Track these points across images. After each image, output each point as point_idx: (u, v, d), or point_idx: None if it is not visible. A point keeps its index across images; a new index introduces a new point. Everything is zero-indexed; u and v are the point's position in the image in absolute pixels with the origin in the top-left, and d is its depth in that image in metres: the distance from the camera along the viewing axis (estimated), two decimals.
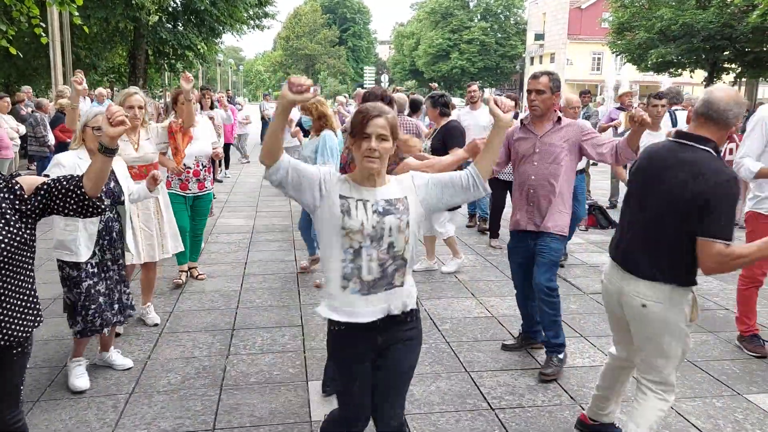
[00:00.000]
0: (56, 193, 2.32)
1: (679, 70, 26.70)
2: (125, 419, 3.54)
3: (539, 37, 55.34)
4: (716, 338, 4.89)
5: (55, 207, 2.33)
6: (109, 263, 3.95)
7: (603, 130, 9.17)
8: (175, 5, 22.33)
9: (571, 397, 3.87)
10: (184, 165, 5.61)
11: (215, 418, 3.57)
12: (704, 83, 26.50)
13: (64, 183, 2.34)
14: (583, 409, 3.59)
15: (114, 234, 3.94)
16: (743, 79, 27.50)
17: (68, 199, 2.33)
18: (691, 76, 26.95)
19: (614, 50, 28.80)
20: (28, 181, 2.33)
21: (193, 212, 6.01)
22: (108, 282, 3.94)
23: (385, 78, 49.95)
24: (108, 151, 2.38)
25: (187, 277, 6.12)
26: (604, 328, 5.05)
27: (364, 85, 47.06)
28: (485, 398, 3.85)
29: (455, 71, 60.00)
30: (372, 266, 2.35)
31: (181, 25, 23.00)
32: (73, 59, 17.64)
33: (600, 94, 25.62)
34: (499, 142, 2.48)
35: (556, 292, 4.13)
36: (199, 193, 5.96)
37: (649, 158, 2.97)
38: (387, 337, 2.46)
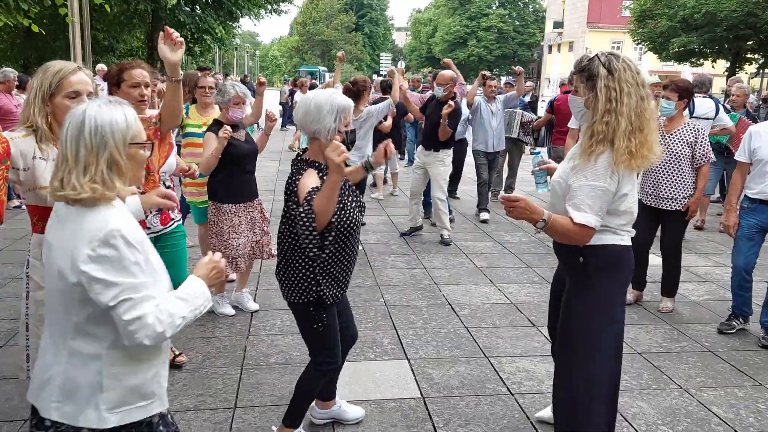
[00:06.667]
0: None
1: (701, 60, 26.32)
2: None
3: (558, 25, 54.83)
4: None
5: None
6: None
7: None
8: None
9: None
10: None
11: (236, 396, 3.60)
12: (726, 73, 26.09)
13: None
14: None
15: None
16: (767, 70, 27.06)
17: None
18: (713, 66, 26.55)
19: (635, 39, 28.44)
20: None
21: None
22: None
23: (401, 64, 49.72)
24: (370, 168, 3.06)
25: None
26: (633, 317, 5.01)
27: (380, 72, 46.91)
28: (504, 383, 3.85)
29: (472, 59, 59.65)
30: None
31: (199, 8, 23.05)
32: (91, 41, 17.73)
33: None
34: None
35: None
36: (164, 230, 3.63)
37: None
38: None
